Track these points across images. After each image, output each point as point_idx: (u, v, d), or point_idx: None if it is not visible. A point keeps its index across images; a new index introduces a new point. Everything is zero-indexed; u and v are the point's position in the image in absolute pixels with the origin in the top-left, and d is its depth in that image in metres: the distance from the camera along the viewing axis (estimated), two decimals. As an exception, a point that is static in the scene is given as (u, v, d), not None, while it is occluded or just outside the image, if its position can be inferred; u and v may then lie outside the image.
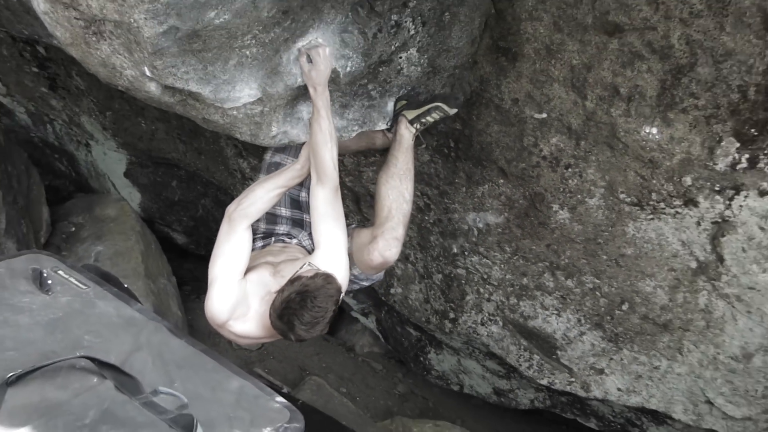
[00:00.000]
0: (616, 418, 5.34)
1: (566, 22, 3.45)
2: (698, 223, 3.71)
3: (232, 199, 3.28)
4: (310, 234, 3.47)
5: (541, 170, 3.99)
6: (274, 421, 2.08)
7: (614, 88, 3.48)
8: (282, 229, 3.66)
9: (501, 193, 4.27)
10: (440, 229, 4.81)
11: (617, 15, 3.29)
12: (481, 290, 4.97)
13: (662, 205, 3.73)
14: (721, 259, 3.76)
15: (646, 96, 3.42)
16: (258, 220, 3.59)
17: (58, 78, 5.88)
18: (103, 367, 2.01)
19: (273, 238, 3.58)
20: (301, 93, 3.09)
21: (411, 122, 3.56)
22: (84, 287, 2.45)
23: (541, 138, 3.88)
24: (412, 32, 3.23)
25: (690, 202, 3.64)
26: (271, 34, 2.72)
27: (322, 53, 2.91)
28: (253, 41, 2.69)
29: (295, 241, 3.57)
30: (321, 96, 2.97)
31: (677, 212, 3.72)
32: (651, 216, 3.82)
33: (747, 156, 3.35)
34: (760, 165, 3.34)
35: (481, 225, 4.53)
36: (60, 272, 2.47)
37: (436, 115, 3.58)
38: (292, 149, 3.54)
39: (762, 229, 3.55)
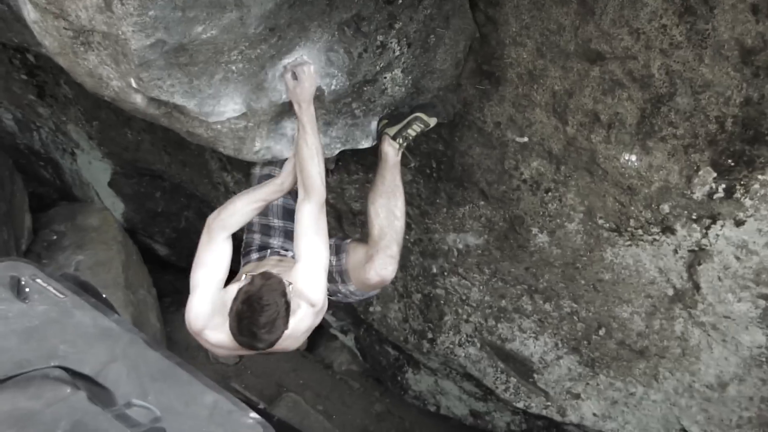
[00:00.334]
0: (591, 444, 5.36)
1: (549, 49, 3.48)
2: (675, 251, 3.75)
3: (215, 211, 3.30)
4: None
5: (522, 193, 4.02)
6: (247, 437, 2.07)
7: (595, 115, 3.52)
8: (276, 242, 3.65)
9: (481, 215, 4.30)
10: (420, 248, 4.83)
11: (599, 43, 3.33)
12: (460, 311, 4.98)
13: (640, 231, 3.76)
14: (697, 287, 3.79)
15: (626, 123, 3.45)
16: (253, 232, 3.63)
17: (47, 86, 5.87)
18: (77, 377, 2.00)
19: (269, 251, 3.58)
20: (286, 109, 3.11)
21: (393, 138, 3.56)
22: (62, 296, 2.43)
23: (522, 161, 3.90)
24: (398, 53, 3.26)
25: (667, 229, 3.68)
26: (258, 50, 2.74)
27: (307, 71, 2.94)
28: (240, 57, 2.72)
29: (290, 254, 3.54)
30: (306, 112, 2.99)
31: (655, 239, 3.76)
32: (629, 242, 3.85)
33: (724, 186, 3.38)
34: (737, 195, 3.38)
35: (461, 246, 4.55)
36: (38, 280, 2.46)
37: (417, 127, 3.57)
38: (280, 161, 3.56)
39: (738, 258, 3.58)
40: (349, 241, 3.67)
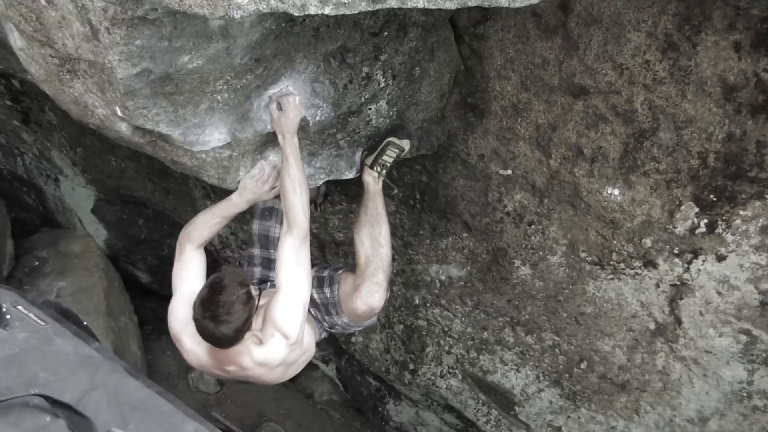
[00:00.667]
0: (572, 477, 5.34)
1: (533, 83, 3.51)
2: (657, 285, 3.76)
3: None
4: None
5: (505, 226, 4.03)
6: (226, 466, 2.06)
7: (578, 149, 3.54)
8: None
9: (464, 247, 4.31)
10: (403, 279, 4.83)
11: (583, 78, 3.35)
12: (442, 342, 4.97)
13: (622, 265, 3.78)
14: (679, 321, 3.80)
15: (609, 158, 3.47)
16: (254, 265, 3.72)
17: (31, 112, 5.87)
18: (57, 405, 1.99)
19: (269, 284, 3.58)
20: (270, 139, 3.12)
21: (371, 167, 3.57)
22: (43, 323, 2.43)
23: (506, 194, 3.92)
24: (383, 85, 3.28)
25: (649, 263, 3.69)
26: (243, 80, 2.75)
27: (292, 101, 2.94)
28: (225, 87, 2.72)
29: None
30: (289, 143, 3.00)
31: (637, 273, 3.77)
32: (611, 276, 3.86)
33: (706, 221, 3.40)
34: (719, 230, 3.40)
35: (443, 277, 4.56)
36: (19, 307, 2.45)
37: (391, 153, 3.55)
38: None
39: (719, 293, 3.59)
40: (341, 272, 3.66)
